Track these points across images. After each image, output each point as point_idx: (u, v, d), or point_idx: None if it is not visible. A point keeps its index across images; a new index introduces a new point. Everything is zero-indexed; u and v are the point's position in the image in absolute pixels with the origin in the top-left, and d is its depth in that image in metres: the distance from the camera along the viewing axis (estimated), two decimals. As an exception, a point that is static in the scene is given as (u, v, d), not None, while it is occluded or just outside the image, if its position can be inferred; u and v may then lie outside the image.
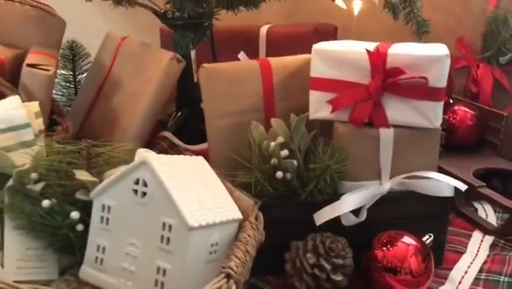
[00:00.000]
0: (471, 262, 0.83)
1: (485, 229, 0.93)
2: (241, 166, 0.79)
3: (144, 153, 0.68)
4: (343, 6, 0.92)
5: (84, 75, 1.22)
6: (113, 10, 1.07)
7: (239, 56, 1.13)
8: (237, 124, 0.81)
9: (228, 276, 0.55)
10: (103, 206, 0.65)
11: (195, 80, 1.06)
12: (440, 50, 0.75)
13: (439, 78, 0.74)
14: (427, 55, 0.74)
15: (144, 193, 0.62)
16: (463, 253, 0.86)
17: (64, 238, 0.69)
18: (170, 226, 0.59)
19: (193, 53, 1.06)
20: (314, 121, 0.82)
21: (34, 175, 0.67)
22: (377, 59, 0.75)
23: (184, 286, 0.59)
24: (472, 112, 1.13)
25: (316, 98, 0.80)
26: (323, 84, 0.80)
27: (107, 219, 0.64)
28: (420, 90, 0.75)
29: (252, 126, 0.79)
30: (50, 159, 0.68)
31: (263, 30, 1.39)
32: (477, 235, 0.91)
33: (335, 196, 0.77)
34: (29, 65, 0.82)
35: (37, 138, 0.74)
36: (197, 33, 1.05)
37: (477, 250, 0.87)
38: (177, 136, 1.02)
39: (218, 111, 0.80)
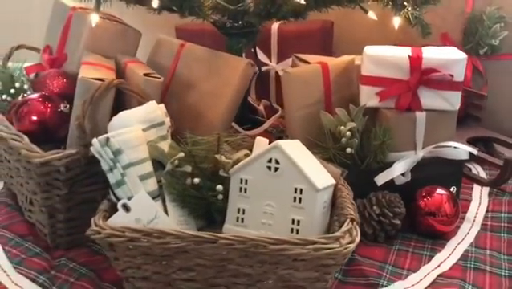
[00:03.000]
0: (478, 206, 1.14)
1: (482, 182, 1.24)
2: (315, 146, 1.04)
3: (263, 139, 0.93)
4: (373, 17, 1.17)
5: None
6: (130, 8, 1.16)
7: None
8: (308, 113, 1.06)
9: (352, 220, 0.81)
10: (241, 180, 0.88)
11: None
12: (458, 53, 1.04)
13: (459, 74, 1.03)
14: (451, 58, 1.02)
15: (276, 168, 0.86)
16: (471, 200, 1.17)
17: (203, 207, 0.92)
18: (301, 190, 0.84)
19: (243, 55, 1.28)
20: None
21: (183, 161, 0.89)
22: (415, 61, 1.02)
23: (312, 231, 0.84)
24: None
25: (366, 91, 1.07)
26: (372, 80, 1.06)
27: (245, 189, 0.88)
28: (446, 83, 1.03)
29: (321, 115, 1.05)
30: (194, 148, 0.90)
31: (274, 27, 1.63)
32: (476, 187, 1.22)
33: (385, 164, 1.05)
34: (145, 74, 1.02)
35: (168, 133, 0.96)
36: (247, 38, 1.28)
37: (479, 197, 1.18)
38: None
39: (296, 105, 1.05)
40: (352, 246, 0.75)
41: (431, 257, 0.97)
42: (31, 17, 1.72)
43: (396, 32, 1.67)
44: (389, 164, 1.05)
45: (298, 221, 0.84)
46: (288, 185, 0.85)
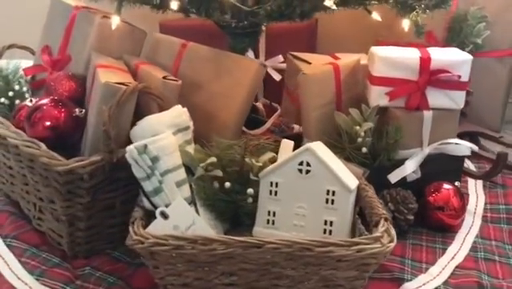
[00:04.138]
0: (476, 199, 1.21)
1: (474, 176, 1.31)
2: (330, 146, 1.06)
3: (288, 141, 0.94)
4: (378, 18, 1.20)
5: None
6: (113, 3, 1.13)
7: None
8: (323, 113, 1.09)
9: (386, 219, 0.84)
10: (271, 183, 0.89)
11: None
12: (464, 55, 1.09)
13: (465, 74, 1.08)
14: (459, 59, 1.07)
15: (308, 171, 0.88)
16: (468, 194, 1.23)
17: (231, 210, 0.93)
18: (334, 192, 0.86)
19: (251, 54, 1.29)
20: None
21: (212, 165, 0.89)
22: (425, 62, 1.07)
23: (344, 231, 0.87)
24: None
25: (377, 91, 1.10)
26: (382, 81, 1.09)
27: (276, 192, 0.89)
28: (452, 83, 1.08)
29: (336, 115, 1.08)
30: (223, 152, 0.90)
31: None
32: (470, 181, 1.29)
33: (396, 162, 1.09)
34: (164, 77, 1.01)
35: (192, 137, 0.96)
36: (251, 38, 1.28)
37: (475, 190, 1.25)
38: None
39: (313, 106, 1.07)
40: (392, 244, 0.78)
41: (444, 250, 1.03)
42: (19, 15, 1.64)
43: (378, 29, 1.73)
44: (399, 162, 1.10)
45: (331, 222, 0.87)
46: (320, 187, 0.87)
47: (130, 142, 0.95)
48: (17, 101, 1.16)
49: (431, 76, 1.07)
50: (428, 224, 1.09)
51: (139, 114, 0.98)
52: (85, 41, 1.11)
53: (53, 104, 0.99)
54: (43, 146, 0.93)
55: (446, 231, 1.08)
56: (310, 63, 1.30)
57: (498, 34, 1.50)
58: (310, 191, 0.88)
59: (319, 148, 0.90)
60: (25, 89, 1.17)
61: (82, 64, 1.11)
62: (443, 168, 1.14)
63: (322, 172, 0.87)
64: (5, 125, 1.03)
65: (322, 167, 0.87)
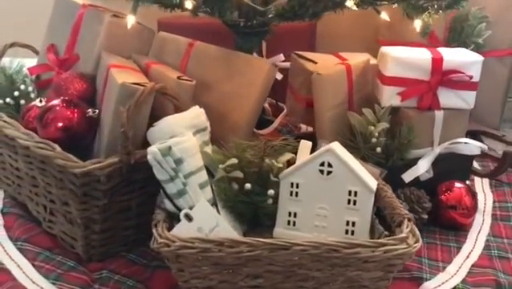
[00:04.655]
0: (485, 197, 1.22)
1: (480, 174, 1.32)
2: (344, 146, 1.06)
3: (307, 142, 0.94)
4: (386, 18, 1.21)
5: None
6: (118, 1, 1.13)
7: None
8: (336, 114, 1.08)
9: (409, 219, 0.84)
10: (292, 184, 0.89)
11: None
12: (475, 56, 1.10)
13: (476, 75, 1.09)
14: (470, 60, 1.08)
15: (329, 172, 0.87)
16: (476, 192, 1.24)
17: (250, 211, 0.92)
18: (356, 192, 0.86)
19: (254, 54, 1.28)
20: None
21: (233, 166, 0.88)
22: (437, 62, 1.07)
23: (366, 231, 0.87)
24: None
25: (389, 91, 1.10)
26: (395, 81, 1.10)
27: (296, 193, 0.89)
28: (463, 83, 1.09)
29: (349, 115, 1.08)
30: (242, 153, 0.90)
31: (263, 24, 1.63)
32: (477, 179, 1.30)
33: (409, 161, 1.10)
34: (178, 78, 0.99)
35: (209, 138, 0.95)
36: (258, 37, 1.27)
37: (482, 189, 1.26)
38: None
39: (327, 106, 1.07)
40: (418, 245, 0.79)
41: (458, 248, 1.04)
42: (20, 13, 1.61)
43: (379, 28, 1.73)
44: (411, 161, 1.10)
45: (353, 223, 0.87)
46: (342, 188, 0.87)
47: (146, 143, 0.94)
48: (22, 101, 1.13)
49: (443, 76, 1.08)
50: (440, 223, 1.10)
51: (153, 115, 0.97)
52: (94, 40, 1.09)
53: (65, 105, 0.96)
54: (58, 148, 0.91)
55: (458, 230, 1.09)
56: (316, 63, 1.30)
57: (499, 33, 1.52)
58: (332, 192, 0.87)
59: (339, 148, 0.90)
60: (30, 89, 1.14)
61: (91, 63, 1.09)
62: (452, 167, 1.15)
63: (343, 172, 0.87)
64: (14, 126, 1.01)
65: (344, 168, 0.87)
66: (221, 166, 0.88)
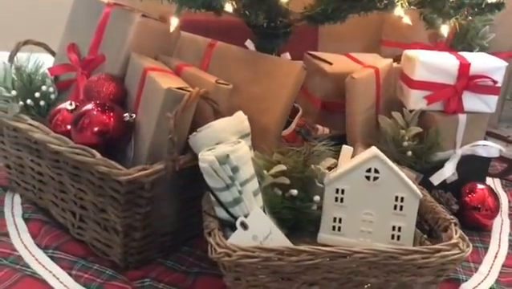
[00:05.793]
0: (500, 198, 1.26)
1: (491, 174, 1.36)
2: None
3: (348, 147, 0.94)
4: (408, 22, 1.22)
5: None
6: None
7: (246, 44, 1.34)
8: (367, 117, 1.10)
9: (455, 224, 0.86)
10: (337, 190, 0.89)
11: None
12: (499, 61, 1.13)
13: (500, 79, 1.12)
14: (496, 66, 1.11)
15: (376, 178, 0.88)
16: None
17: (294, 217, 0.92)
18: (402, 198, 0.87)
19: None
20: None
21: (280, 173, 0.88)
22: (464, 68, 1.10)
23: (411, 236, 0.88)
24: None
25: (416, 95, 1.12)
26: (422, 85, 1.12)
27: (341, 198, 0.89)
28: (487, 88, 1.12)
29: (380, 119, 1.09)
30: (285, 159, 0.89)
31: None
32: (488, 179, 1.34)
33: (434, 164, 1.12)
34: (216, 82, 0.98)
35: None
36: (281, 39, 1.26)
37: (495, 189, 1.30)
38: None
39: (359, 110, 1.08)
40: (469, 249, 0.81)
41: (485, 248, 1.07)
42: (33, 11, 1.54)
43: (383, 29, 1.75)
44: (436, 164, 1.13)
45: (399, 228, 0.88)
46: (388, 194, 0.88)
47: (185, 149, 0.93)
48: (41, 102, 1.09)
49: (469, 81, 1.11)
50: (464, 224, 1.13)
51: (192, 120, 0.95)
52: (122, 40, 1.05)
53: (100, 109, 0.93)
54: (98, 154, 0.88)
55: (481, 230, 1.12)
56: (331, 64, 1.31)
57: (501, 36, 1.57)
58: (378, 198, 0.88)
59: (382, 154, 0.90)
60: (51, 90, 1.10)
61: (118, 64, 1.05)
62: (472, 169, 1.19)
63: (390, 178, 0.88)
64: (42, 130, 0.97)
65: (391, 174, 0.88)
66: (267, 173, 0.88)
